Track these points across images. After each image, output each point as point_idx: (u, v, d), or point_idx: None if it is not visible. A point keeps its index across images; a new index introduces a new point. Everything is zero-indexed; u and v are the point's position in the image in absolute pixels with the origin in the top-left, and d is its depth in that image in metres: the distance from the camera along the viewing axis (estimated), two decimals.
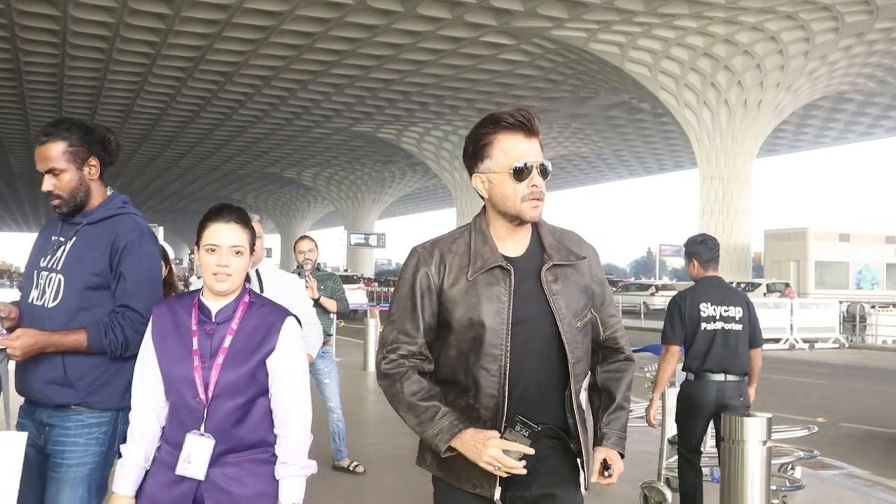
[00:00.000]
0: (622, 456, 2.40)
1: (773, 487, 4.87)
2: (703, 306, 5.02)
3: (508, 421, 2.22)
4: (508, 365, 2.24)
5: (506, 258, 2.30)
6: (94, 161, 3.17)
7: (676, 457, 5.62)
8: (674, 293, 34.82)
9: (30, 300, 3.02)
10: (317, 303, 6.55)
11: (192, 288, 2.78)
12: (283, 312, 2.59)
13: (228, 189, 71.22)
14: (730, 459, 4.01)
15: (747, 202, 35.21)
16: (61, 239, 3.09)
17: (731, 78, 32.14)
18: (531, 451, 2.13)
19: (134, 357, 2.92)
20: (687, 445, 5.14)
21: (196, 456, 2.44)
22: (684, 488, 5.23)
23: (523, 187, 2.26)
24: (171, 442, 2.52)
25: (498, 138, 2.28)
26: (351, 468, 6.67)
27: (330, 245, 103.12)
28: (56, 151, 3.11)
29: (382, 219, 74.46)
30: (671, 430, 5.97)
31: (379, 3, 27.17)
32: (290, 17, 28.32)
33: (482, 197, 2.37)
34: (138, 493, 2.53)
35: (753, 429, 3.93)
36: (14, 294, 14.75)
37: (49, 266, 3.03)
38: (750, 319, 5.15)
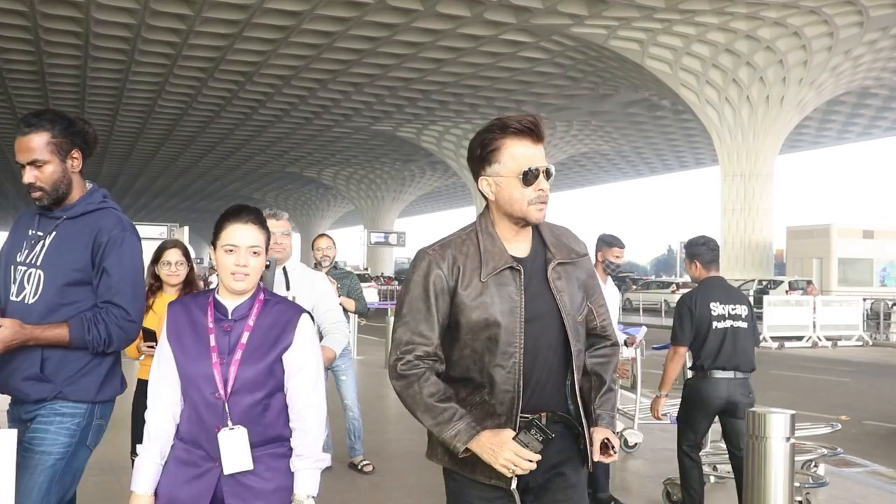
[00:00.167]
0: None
1: (797, 484, 4.85)
2: (713, 305, 5.10)
3: (524, 420, 2.32)
4: (523, 361, 2.34)
5: (514, 259, 2.39)
6: (76, 153, 3.06)
7: (701, 453, 5.61)
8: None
9: (8, 296, 2.95)
10: (340, 306, 6.57)
11: (212, 287, 2.77)
12: (298, 310, 2.65)
13: (249, 188, 71.60)
14: (753, 455, 4.00)
15: (769, 199, 34.95)
16: (40, 233, 3.01)
17: (753, 74, 31.92)
18: (539, 458, 2.24)
19: (114, 353, 2.95)
20: (692, 442, 5.20)
21: (236, 449, 2.47)
22: (692, 486, 5.21)
23: (530, 191, 2.35)
24: (187, 439, 2.54)
25: (506, 143, 2.35)
26: (360, 466, 6.61)
27: (350, 244, 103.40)
28: (39, 142, 2.98)
29: (402, 217, 74.58)
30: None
31: (398, 2, 27.21)
32: (310, 16, 28.42)
33: (487, 199, 2.45)
34: (154, 493, 2.55)
35: (777, 425, 3.91)
36: None
37: (28, 261, 2.96)
38: (752, 318, 5.27)
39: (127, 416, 4.56)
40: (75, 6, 27.60)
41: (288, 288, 4.10)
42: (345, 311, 6.74)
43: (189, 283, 4.71)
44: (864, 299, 24.68)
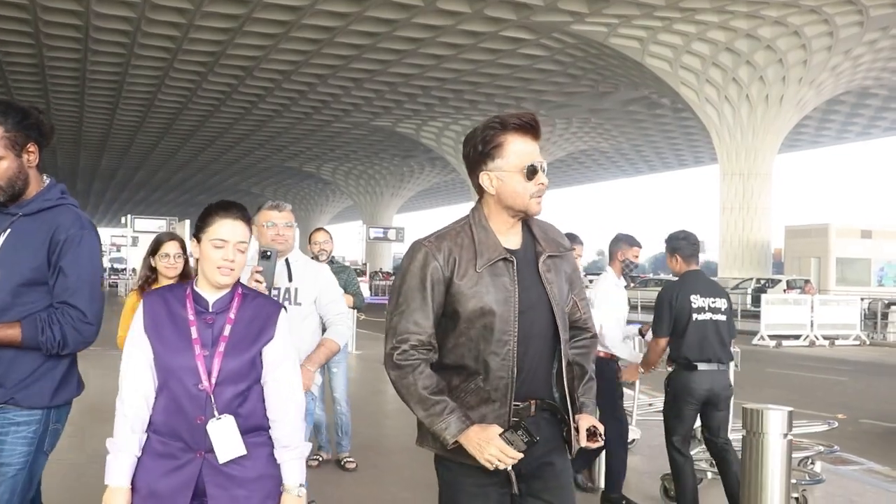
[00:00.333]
0: None
1: (793, 481, 4.88)
2: (693, 298, 5.19)
3: (515, 409, 2.45)
4: (516, 349, 2.44)
5: (507, 251, 2.49)
6: (32, 147, 2.90)
7: (698, 449, 5.64)
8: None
9: None
10: None
11: None
12: (277, 304, 2.71)
13: (248, 182, 71.58)
14: (750, 452, 4.02)
15: (768, 198, 34.98)
16: None
17: (752, 73, 31.93)
18: (521, 457, 2.35)
19: (69, 356, 2.82)
20: (681, 437, 5.26)
21: (226, 438, 2.51)
22: (685, 481, 5.22)
23: (531, 185, 2.45)
24: (164, 431, 2.53)
25: (508, 139, 2.45)
26: (343, 463, 6.55)
27: (348, 239, 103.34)
28: None
29: (401, 213, 74.56)
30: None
31: None
32: (311, 11, 28.41)
33: (484, 194, 2.53)
34: (133, 488, 2.53)
35: (775, 421, 3.93)
36: None
37: None
38: (730, 311, 5.38)
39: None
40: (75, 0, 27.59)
41: (290, 279, 4.06)
42: None
43: (185, 276, 4.74)
44: (862, 299, 24.72)
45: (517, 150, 2.45)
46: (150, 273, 4.88)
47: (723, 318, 5.26)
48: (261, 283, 3.71)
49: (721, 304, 5.28)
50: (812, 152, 53.99)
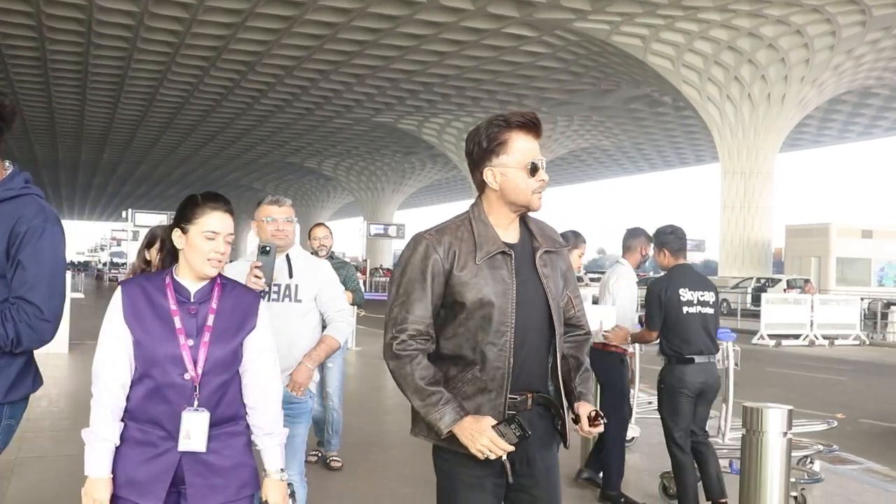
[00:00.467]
0: None
1: (792, 480, 4.89)
2: (682, 291, 5.25)
3: (516, 391, 2.52)
4: (513, 340, 2.50)
5: (506, 244, 2.56)
6: None
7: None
8: None
9: None
10: None
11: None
12: (256, 294, 2.76)
13: (249, 178, 71.58)
14: (750, 450, 4.04)
15: (769, 197, 34.97)
16: None
17: (754, 72, 31.91)
18: (512, 449, 2.40)
19: (24, 353, 2.69)
20: (683, 429, 5.27)
21: (195, 430, 2.52)
22: (687, 481, 5.21)
23: (534, 181, 2.53)
24: (143, 419, 2.53)
25: (513, 137, 2.52)
26: (329, 461, 6.47)
27: (349, 235, 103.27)
28: None
29: (402, 209, 74.58)
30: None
31: None
32: (313, 7, 28.40)
33: (486, 189, 2.60)
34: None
35: (774, 419, 3.95)
36: None
37: None
38: (717, 305, 5.45)
39: None
40: None
41: (291, 275, 4.02)
42: None
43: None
44: (862, 299, 24.72)
45: (521, 147, 2.53)
46: (145, 266, 4.88)
47: (710, 311, 5.32)
48: (260, 278, 3.69)
49: (709, 297, 5.34)
50: (813, 151, 54.06)
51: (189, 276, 2.61)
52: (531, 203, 2.56)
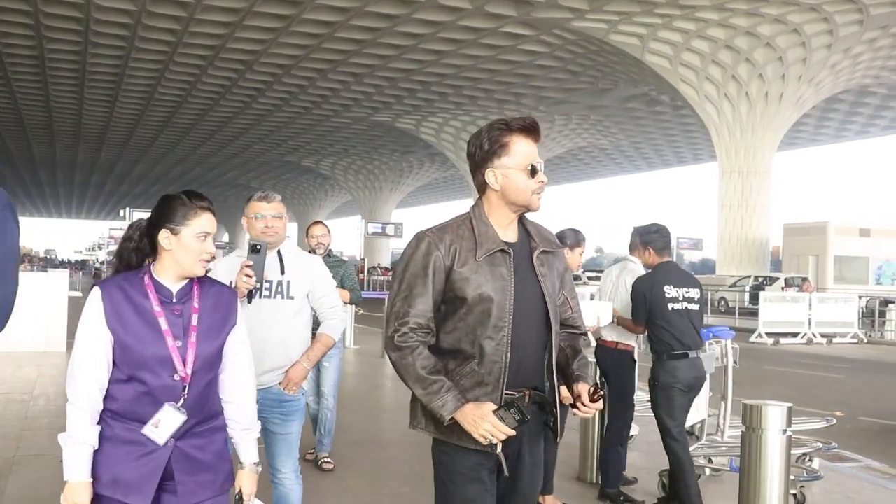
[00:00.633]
0: None
1: (791, 477, 4.89)
2: (666, 289, 5.34)
3: (512, 386, 2.59)
4: (511, 335, 2.59)
5: (505, 243, 2.66)
6: None
7: (696, 446, 5.65)
8: None
9: None
10: None
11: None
12: (232, 290, 2.79)
13: (247, 177, 71.51)
14: (749, 447, 4.04)
15: (767, 196, 34.99)
16: None
17: (752, 70, 31.93)
18: (513, 434, 2.49)
19: None
20: (678, 426, 5.33)
21: (165, 424, 2.52)
22: (687, 476, 5.20)
23: (533, 182, 2.64)
24: (131, 418, 2.52)
25: (514, 139, 2.64)
26: (320, 462, 6.38)
27: (347, 234, 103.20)
28: None
29: (400, 208, 74.52)
30: (690, 419, 6.00)
31: None
32: (310, 6, 28.38)
33: (487, 190, 2.69)
34: (92, 478, 2.49)
35: (774, 417, 3.95)
36: (35, 277, 14.82)
37: None
38: (702, 301, 5.55)
39: None
40: None
41: (283, 272, 3.97)
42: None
43: None
44: (860, 297, 24.74)
45: (521, 150, 2.63)
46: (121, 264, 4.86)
47: (696, 307, 5.42)
48: (251, 277, 3.66)
49: (694, 293, 5.43)
50: (811, 150, 54.08)
51: (170, 276, 2.60)
52: (531, 203, 2.66)
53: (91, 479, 2.48)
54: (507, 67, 35.20)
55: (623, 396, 5.78)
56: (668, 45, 31.37)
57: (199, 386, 2.57)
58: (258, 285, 3.78)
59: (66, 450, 2.47)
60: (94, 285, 2.62)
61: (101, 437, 2.50)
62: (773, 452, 3.96)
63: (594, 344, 6.00)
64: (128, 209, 41.64)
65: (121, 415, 2.52)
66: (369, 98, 41.24)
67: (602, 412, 6.11)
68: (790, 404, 4.24)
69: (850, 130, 47.80)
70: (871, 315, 25.01)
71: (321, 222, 6.86)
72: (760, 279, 32.82)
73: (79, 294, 17.67)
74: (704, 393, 6.29)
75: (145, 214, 2.91)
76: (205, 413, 2.60)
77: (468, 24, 29.88)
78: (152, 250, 2.63)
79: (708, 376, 6.31)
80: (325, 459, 6.39)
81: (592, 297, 7.14)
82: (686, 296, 5.38)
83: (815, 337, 21.81)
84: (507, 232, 2.69)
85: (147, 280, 2.59)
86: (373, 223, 52.11)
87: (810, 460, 6.23)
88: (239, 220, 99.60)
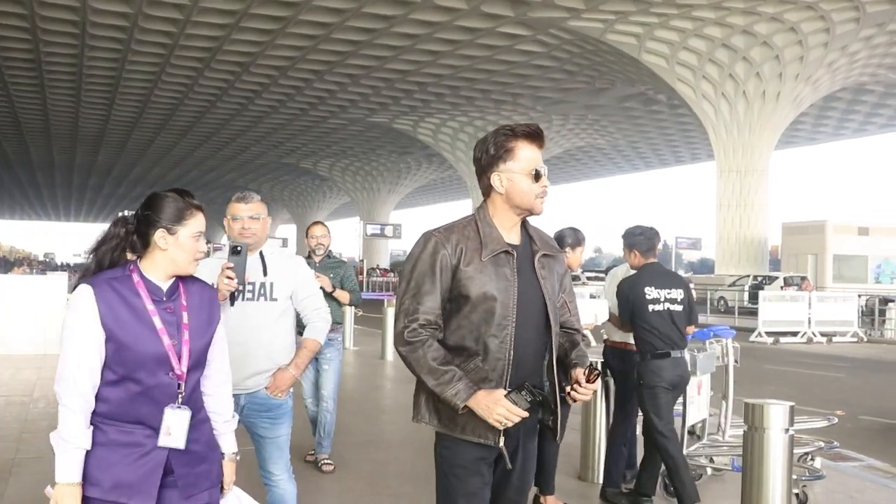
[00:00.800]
0: None
1: (794, 477, 4.88)
2: (647, 290, 5.43)
3: (514, 383, 2.66)
4: (514, 334, 2.68)
5: (509, 245, 2.77)
6: None
7: (697, 445, 5.64)
8: (690, 286, 34.64)
9: None
10: (330, 295, 6.32)
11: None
12: (211, 287, 2.81)
13: (245, 179, 71.44)
14: (752, 447, 4.02)
15: (765, 195, 35.00)
16: None
17: (749, 69, 31.93)
18: (527, 415, 2.60)
19: None
20: (667, 419, 5.39)
21: (176, 428, 2.55)
22: (681, 472, 5.23)
23: (537, 187, 2.75)
24: (127, 420, 2.50)
25: (519, 145, 2.74)
26: (320, 464, 6.35)
27: (346, 235, 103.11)
28: None
29: (398, 210, 74.51)
30: (692, 418, 5.99)
31: None
32: (307, 7, 28.35)
33: (492, 193, 2.79)
34: (87, 481, 2.46)
35: (776, 416, 3.94)
36: (34, 281, 14.80)
37: None
38: (689, 301, 5.58)
39: None
40: None
41: (265, 274, 3.90)
42: (339, 303, 6.50)
43: None
44: (860, 295, 24.73)
45: (526, 155, 2.74)
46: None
47: (679, 308, 5.47)
48: (232, 279, 3.62)
49: (677, 294, 5.48)
50: (809, 149, 54.12)
51: (160, 274, 2.60)
52: (534, 207, 2.76)
53: (81, 482, 2.44)
54: (504, 68, 35.19)
55: (629, 397, 5.79)
56: (665, 45, 31.38)
57: (192, 382, 2.61)
58: (240, 287, 3.73)
59: (59, 452, 2.45)
60: (79, 283, 2.56)
61: (95, 442, 2.47)
62: (775, 452, 3.94)
63: (594, 344, 6.04)
64: (126, 212, 41.61)
65: (113, 417, 2.50)
66: (366, 99, 41.22)
67: (607, 412, 6.14)
68: (792, 403, 4.22)
69: (848, 128, 47.82)
70: (871, 314, 25.01)
71: (321, 223, 6.80)
72: (759, 278, 32.82)
73: None
74: (705, 392, 6.29)
75: None
76: (195, 408, 2.63)
77: (464, 24, 29.87)
78: (143, 248, 2.61)
79: (709, 376, 6.32)
80: (325, 461, 6.36)
81: (592, 297, 7.13)
82: (668, 296, 5.45)
83: (814, 336, 21.80)
84: (511, 234, 2.79)
85: (137, 278, 2.57)
86: (371, 224, 52.16)
87: (812, 459, 6.21)
88: None
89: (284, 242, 68.76)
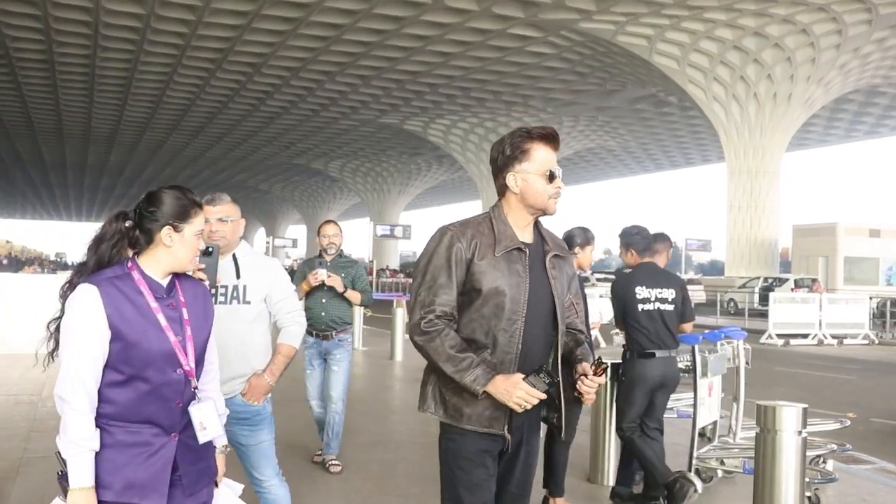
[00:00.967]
0: None
1: (806, 479, 4.84)
2: (638, 290, 5.51)
3: (528, 369, 2.71)
4: (523, 329, 2.75)
5: (522, 243, 2.83)
6: None
7: (708, 447, 5.60)
8: (700, 288, 34.11)
9: None
10: (341, 295, 6.33)
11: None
12: (200, 281, 2.85)
13: (255, 179, 71.62)
14: (764, 449, 3.99)
15: (776, 197, 34.85)
16: None
17: (760, 71, 31.81)
18: (544, 397, 2.66)
19: None
20: (632, 419, 5.51)
21: (208, 420, 2.62)
22: (649, 458, 5.38)
23: (551, 188, 2.82)
24: (135, 419, 2.48)
25: (535, 147, 2.81)
26: (327, 465, 6.31)
27: (356, 236, 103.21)
28: None
29: (408, 211, 74.53)
30: (702, 420, 5.95)
31: None
32: (319, 8, 28.39)
33: (507, 192, 2.87)
34: (98, 485, 2.43)
35: (789, 418, 3.90)
36: (44, 280, 14.85)
37: None
38: (683, 300, 5.64)
39: None
40: None
41: (238, 276, 3.83)
42: (349, 303, 6.45)
43: None
44: (871, 298, 24.58)
45: (541, 156, 2.81)
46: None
47: (670, 307, 5.53)
48: (203, 281, 3.62)
49: (668, 293, 5.55)
50: (820, 151, 53.90)
51: (159, 271, 2.59)
52: (547, 207, 2.83)
53: (94, 485, 2.41)
54: (515, 69, 35.15)
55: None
56: (676, 46, 31.29)
57: (197, 378, 2.62)
58: (212, 290, 3.66)
59: (70, 457, 2.39)
60: (78, 283, 2.51)
61: (103, 444, 2.44)
62: (788, 454, 3.91)
63: (603, 344, 6.08)
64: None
65: (121, 419, 2.47)
66: (377, 100, 41.25)
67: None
68: (805, 405, 4.19)
69: (860, 131, 47.59)
70: (882, 316, 24.86)
71: (333, 221, 6.67)
72: (770, 280, 32.67)
73: None
74: (716, 394, 6.25)
75: None
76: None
77: (475, 25, 29.85)
78: (146, 244, 2.58)
79: (720, 377, 6.28)
80: (333, 462, 6.33)
81: (602, 297, 7.14)
82: (659, 296, 5.51)
83: (825, 338, 21.68)
84: (524, 233, 2.85)
85: (138, 276, 2.55)
86: (381, 225, 52.16)
87: (824, 462, 6.17)
88: (248, 222, 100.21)
89: (294, 243, 68.86)
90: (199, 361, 2.64)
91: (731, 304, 32.33)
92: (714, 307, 28.98)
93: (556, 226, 3.10)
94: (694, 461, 5.81)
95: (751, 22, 29.82)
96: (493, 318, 2.74)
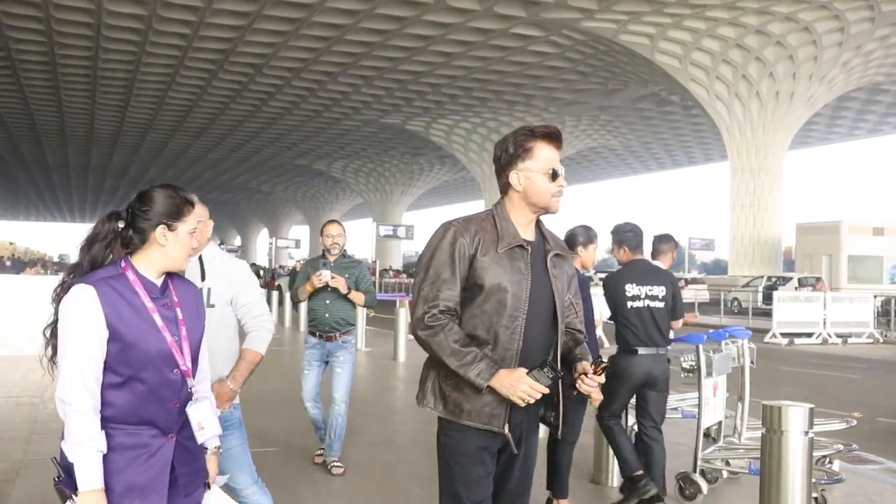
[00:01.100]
0: None
1: (812, 480, 4.80)
2: (628, 287, 5.53)
3: (529, 366, 2.73)
4: (524, 326, 2.76)
5: (524, 240, 2.85)
6: None
7: (713, 448, 5.56)
8: (703, 287, 34.05)
9: None
10: (344, 297, 6.27)
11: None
12: (191, 281, 2.82)
13: (258, 180, 71.62)
14: (770, 449, 3.94)
15: (779, 195, 34.79)
16: None
17: (763, 69, 31.75)
18: (547, 391, 2.68)
19: None
20: (612, 411, 5.54)
21: (205, 419, 2.62)
22: (623, 449, 5.42)
23: (554, 186, 2.83)
24: (133, 421, 2.46)
25: (538, 145, 2.83)
26: (329, 467, 6.25)
27: (359, 237, 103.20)
28: None
29: (410, 211, 74.47)
30: (707, 420, 5.91)
31: None
32: (320, 8, 28.37)
33: (510, 190, 2.89)
34: (106, 490, 2.42)
35: (795, 418, 3.86)
36: (47, 281, 14.83)
37: None
38: (673, 297, 5.65)
39: None
40: None
41: (203, 278, 3.74)
42: (353, 304, 6.40)
43: None
44: (875, 296, 24.50)
45: (544, 155, 2.82)
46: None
47: (660, 304, 5.54)
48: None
49: (659, 291, 5.56)
50: (823, 149, 53.80)
51: (153, 270, 2.57)
52: (550, 205, 2.85)
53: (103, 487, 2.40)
54: (517, 69, 35.12)
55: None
56: (678, 45, 31.23)
57: (192, 377, 2.61)
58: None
59: (79, 459, 2.36)
60: (72, 284, 2.48)
61: (108, 446, 2.43)
62: (794, 454, 3.86)
63: (607, 345, 6.07)
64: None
65: (119, 421, 2.45)
66: (379, 101, 41.23)
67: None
68: (812, 405, 4.14)
69: (863, 128, 47.50)
70: (887, 314, 24.79)
71: (337, 221, 6.57)
72: (773, 279, 32.61)
73: None
74: (721, 394, 6.21)
75: None
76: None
77: (477, 25, 29.82)
78: (140, 244, 2.56)
79: (725, 377, 6.24)
80: (335, 463, 6.28)
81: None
82: (649, 293, 5.52)
83: (829, 337, 21.62)
84: (526, 231, 2.87)
85: (132, 276, 2.52)
86: (384, 226, 52.09)
87: (830, 462, 6.12)
88: (251, 223, 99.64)
89: (297, 244, 68.82)
90: (195, 361, 2.64)
91: (735, 303, 32.26)
92: (718, 306, 28.92)
93: (559, 225, 3.08)
94: (699, 462, 5.77)
95: (753, 20, 29.76)
96: (494, 314, 2.76)
